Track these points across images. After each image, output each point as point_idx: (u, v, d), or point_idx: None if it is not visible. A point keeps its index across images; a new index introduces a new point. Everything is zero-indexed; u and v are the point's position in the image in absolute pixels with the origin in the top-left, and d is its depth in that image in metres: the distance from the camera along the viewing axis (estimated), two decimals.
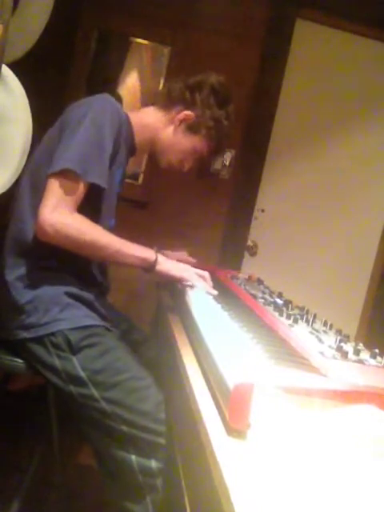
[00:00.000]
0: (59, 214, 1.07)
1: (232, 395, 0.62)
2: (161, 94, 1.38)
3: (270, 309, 1.21)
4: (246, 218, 2.37)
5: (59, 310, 1.13)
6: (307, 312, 1.25)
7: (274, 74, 2.29)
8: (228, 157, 2.28)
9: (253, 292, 1.40)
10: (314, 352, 0.88)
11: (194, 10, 2.24)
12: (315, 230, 2.44)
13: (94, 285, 1.26)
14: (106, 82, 2.26)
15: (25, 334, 1.13)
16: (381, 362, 0.92)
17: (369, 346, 1.02)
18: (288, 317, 1.12)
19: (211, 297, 1.23)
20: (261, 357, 0.84)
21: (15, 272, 1.16)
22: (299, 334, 1.01)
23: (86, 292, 1.19)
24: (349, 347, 0.96)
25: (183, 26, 2.22)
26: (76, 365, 1.09)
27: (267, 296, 1.39)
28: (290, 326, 1.06)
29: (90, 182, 1.11)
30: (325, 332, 1.09)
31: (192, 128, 1.32)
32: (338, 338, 1.02)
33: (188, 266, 1.31)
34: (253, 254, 2.43)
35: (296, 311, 1.25)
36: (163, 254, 1.26)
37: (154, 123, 1.34)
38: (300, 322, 1.11)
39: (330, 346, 0.94)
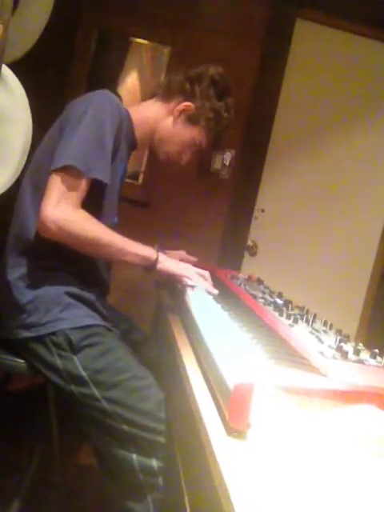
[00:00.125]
0: (62, 210, 1.06)
1: (232, 395, 0.62)
2: (161, 86, 1.39)
3: (270, 309, 1.21)
4: (246, 218, 2.37)
5: (60, 310, 1.13)
6: (307, 312, 1.25)
7: (274, 73, 2.30)
8: (228, 157, 2.28)
9: (253, 292, 1.40)
10: (314, 352, 0.88)
11: (194, 10, 2.24)
12: (315, 230, 2.44)
13: (95, 285, 1.26)
14: (106, 81, 2.26)
15: (26, 334, 1.13)
16: (381, 362, 0.92)
17: (369, 346, 1.02)
18: (288, 317, 1.12)
19: (211, 297, 1.23)
20: (261, 357, 0.84)
21: (17, 271, 1.16)
22: (299, 334, 1.01)
23: (86, 292, 1.19)
24: (349, 347, 0.96)
25: (183, 26, 2.22)
26: (77, 364, 1.09)
27: (267, 296, 1.39)
28: (290, 326, 1.06)
29: (92, 178, 1.11)
30: (325, 332, 1.09)
31: (191, 119, 1.32)
32: (338, 338, 1.02)
33: (189, 265, 1.31)
34: (253, 254, 2.43)
35: (296, 311, 1.25)
36: (163, 253, 1.27)
37: (154, 115, 1.34)
38: (300, 321, 1.11)
39: (329, 346, 0.94)
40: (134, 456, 1.06)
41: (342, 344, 0.95)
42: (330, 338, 1.03)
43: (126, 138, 1.26)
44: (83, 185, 1.10)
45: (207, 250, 2.27)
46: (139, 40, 2.25)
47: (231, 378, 0.64)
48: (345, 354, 0.89)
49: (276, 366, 0.80)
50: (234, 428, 0.62)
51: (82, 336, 1.11)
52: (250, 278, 1.77)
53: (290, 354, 0.90)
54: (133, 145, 1.34)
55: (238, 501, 0.49)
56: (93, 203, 1.15)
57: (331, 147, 2.41)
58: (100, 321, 1.17)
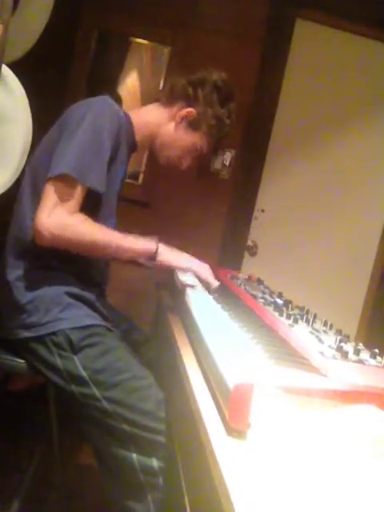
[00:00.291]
0: (56, 217, 1.07)
1: (232, 395, 0.62)
2: (164, 91, 1.39)
3: (270, 309, 1.21)
4: (246, 218, 2.37)
5: (60, 310, 1.13)
6: (307, 312, 1.25)
7: (274, 73, 2.29)
8: (228, 157, 2.28)
9: (253, 292, 1.40)
10: (313, 352, 0.88)
11: (194, 10, 2.24)
12: (315, 229, 2.44)
13: (95, 285, 1.26)
14: (105, 82, 2.26)
15: (26, 334, 1.13)
16: (381, 362, 0.92)
17: (369, 346, 1.02)
18: (288, 317, 1.12)
19: (211, 297, 1.23)
20: (261, 357, 0.84)
21: (16, 271, 1.16)
22: (299, 334, 1.01)
23: (87, 292, 1.19)
24: (349, 347, 0.96)
25: (183, 26, 2.22)
26: (77, 364, 1.09)
27: (267, 296, 1.39)
28: (290, 326, 1.06)
29: (87, 187, 1.11)
30: (325, 332, 1.10)
31: (193, 125, 1.32)
32: (338, 338, 1.02)
33: (190, 256, 1.31)
34: (253, 254, 2.43)
35: (296, 311, 1.25)
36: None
37: (156, 119, 1.34)
38: (300, 321, 1.11)
39: (330, 346, 0.94)
40: (134, 456, 1.06)
41: (342, 344, 0.95)
42: (330, 338, 1.03)
43: (126, 141, 1.26)
44: (79, 192, 1.10)
45: (207, 250, 2.26)
46: (139, 40, 2.25)
47: (231, 377, 0.64)
48: (345, 354, 0.89)
49: (276, 366, 0.80)
50: (234, 428, 0.62)
51: (83, 336, 1.11)
52: (250, 278, 1.77)
53: (289, 354, 0.90)
54: (133, 147, 1.34)
55: (238, 501, 0.48)
56: (91, 207, 1.15)
57: (331, 147, 2.41)
58: (100, 321, 1.18)
